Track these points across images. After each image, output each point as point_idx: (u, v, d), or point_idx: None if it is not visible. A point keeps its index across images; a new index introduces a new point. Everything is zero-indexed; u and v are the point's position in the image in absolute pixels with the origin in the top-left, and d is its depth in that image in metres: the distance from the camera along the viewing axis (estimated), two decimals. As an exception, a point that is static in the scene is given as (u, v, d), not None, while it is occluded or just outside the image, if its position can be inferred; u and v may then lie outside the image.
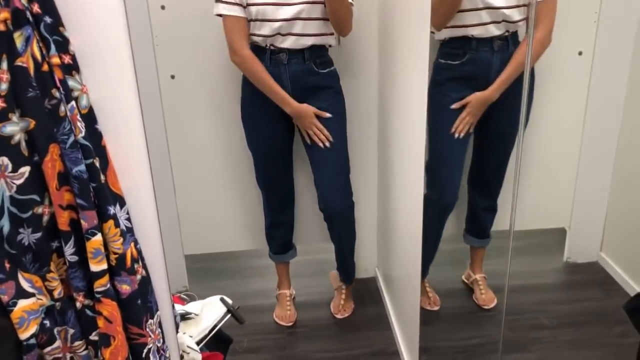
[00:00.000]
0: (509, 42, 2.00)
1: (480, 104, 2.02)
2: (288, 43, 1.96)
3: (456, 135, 2.05)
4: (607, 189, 2.49)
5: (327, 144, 2.08)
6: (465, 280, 2.52)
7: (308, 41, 1.97)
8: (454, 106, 2.03)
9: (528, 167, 2.35)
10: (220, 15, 1.94)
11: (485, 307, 2.36)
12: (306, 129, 2.07)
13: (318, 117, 2.07)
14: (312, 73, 2.04)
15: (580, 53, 2.31)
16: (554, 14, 2.00)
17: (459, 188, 2.21)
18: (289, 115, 2.07)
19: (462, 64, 2.03)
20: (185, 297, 1.70)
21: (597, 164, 2.46)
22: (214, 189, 2.45)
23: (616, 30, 2.26)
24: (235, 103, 2.27)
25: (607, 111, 2.37)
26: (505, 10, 1.93)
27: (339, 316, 2.40)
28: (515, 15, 1.95)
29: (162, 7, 2.18)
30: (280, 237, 2.35)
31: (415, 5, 1.68)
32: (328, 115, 2.06)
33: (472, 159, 2.28)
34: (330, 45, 2.07)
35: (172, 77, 2.28)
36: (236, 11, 1.93)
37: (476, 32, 1.97)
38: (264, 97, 2.04)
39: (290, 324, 2.36)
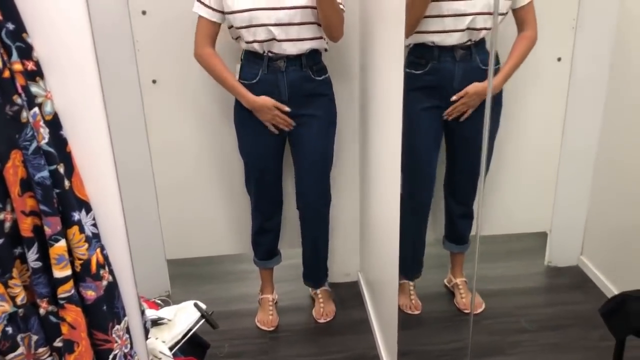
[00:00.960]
0: (472, 51, 2.01)
1: (477, 95, 2.03)
2: (285, 48, 1.96)
3: (445, 117, 2.08)
4: (587, 194, 2.51)
5: (288, 128, 2.09)
6: (447, 285, 2.53)
7: (305, 45, 1.98)
8: (453, 98, 2.04)
9: (508, 172, 2.37)
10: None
11: (466, 311, 2.37)
12: (269, 121, 2.06)
13: (311, 126, 2.10)
14: (309, 80, 2.05)
15: (559, 59, 2.32)
16: (535, 15, 2.04)
17: (432, 189, 2.25)
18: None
19: (425, 73, 2.04)
20: (160, 302, 1.70)
21: (577, 168, 2.47)
22: (197, 194, 2.45)
23: (594, 36, 2.27)
24: (217, 107, 2.28)
25: (587, 116, 2.39)
26: (469, 18, 1.94)
27: (321, 321, 2.40)
28: (480, 23, 1.96)
29: (143, 13, 2.18)
30: (266, 243, 2.35)
31: (391, 11, 1.69)
32: (287, 109, 2.04)
33: (446, 167, 2.30)
34: (325, 50, 2.08)
35: (154, 81, 2.28)
36: (207, 14, 1.96)
37: (437, 38, 1.98)
38: None
39: (272, 328, 2.36)
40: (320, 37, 2.01)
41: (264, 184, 2.22)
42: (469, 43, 2.00)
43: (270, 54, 1.98)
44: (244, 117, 2.11)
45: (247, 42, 1.97)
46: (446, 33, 1.97)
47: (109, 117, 2.17)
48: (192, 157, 2.39)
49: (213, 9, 1.95)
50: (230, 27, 2.00)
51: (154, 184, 2.39)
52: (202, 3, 1.95)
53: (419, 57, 2.04)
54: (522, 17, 2.06)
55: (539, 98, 2.37)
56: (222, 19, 1.98)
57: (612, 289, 2.36)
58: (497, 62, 2.09)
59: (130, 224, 2.36)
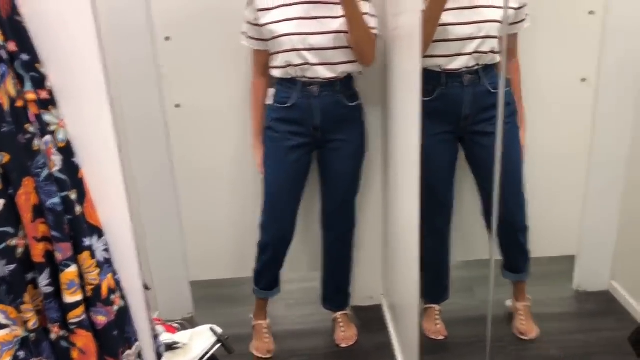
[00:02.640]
0: (481, 75, 1.99)
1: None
2: (320, 72, 1.97)
3: None
4: (617, 216, 2.43)
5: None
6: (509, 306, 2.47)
7: (339, 68, 1.99)
8: None
9: (534, 194, 2.31)
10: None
11: (523, 337, 2.30)
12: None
13: (341, 151, 2.13)
14: (342, 106, 2.06)
15: (583, 80, 2.28)
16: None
17: (450, 213, 2.23)
18: (310, 147, 2.12)
19: (432, 100, 2.01)
20: (177, 325, 1.70)
21: (605, 190, 2.40)
22: (220, 216, 2.47)
23: (620, 55, 2.22)
24: (241, 130, 2.29)
25: (614, 137, 2.33)
26: (476, 42, 1.93)
27: (342, 345, 2.37)
28: (486, 46, 1.94)
29: (167, 39, 2.22)
30: (272, 274, 2.31)
31: (407, 36, 1.69)
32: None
33: (480, 193, 2.25)
34: (360, 73, 2.09)
35: (177, 106, 2.31)
36: (251, 44, 2.04)
37: (442, 62, 1.96)
38: (290, 127, 2.06)
39: (269, 355, 2.32)
40: (355, 61, 2.02)
41: (286, 219, 2.19)
42: (476, 67, 1.98)
43: (304, 79, 1.99)
44: (276, 147, 2.10)
45: (280, 68, 1.99)
46: (452, 57, 1.95)
47: (132, 141, 2.23)
48: (216, 180, 2.41)
49: (255, 39, 2.02)
50: (270, 55, 2.04)
51: (178, 206, 2.42)
52: (246, 34, 2.04)
53: (426, 83, 2.02)
54: (512, 44, 2.10)
55: (565, 119, 2.33)
56: (267, 46, 2.03)
57: (645, 316, 2.28)
58: (507, 84, 2.06)
59: (154, 247, 2.41)
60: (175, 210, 2.42)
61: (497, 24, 1.92)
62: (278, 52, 1.97)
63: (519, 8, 2.01)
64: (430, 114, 2.03)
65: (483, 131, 2.05)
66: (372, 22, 1.96)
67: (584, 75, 2.28)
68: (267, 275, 2.31)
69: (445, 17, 1.90)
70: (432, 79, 2.00)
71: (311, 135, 2.07)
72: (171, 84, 2.27)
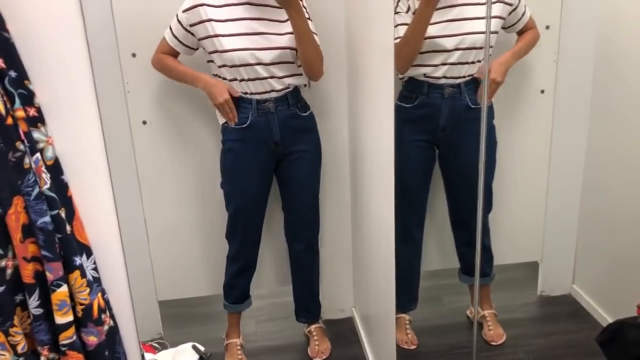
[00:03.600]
0: (462, 90, 2.07)
1: (500, 65, 2.06)
2: (269, 86, 2.00)
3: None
4: (576, 222, 2.54)
5: (232, 123, 2.06)
6: (470, 316, 2.51)
7: (286, 81, 2.02)
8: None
9: (498, 203, 2.39)
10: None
11: (493, 343, 2.35)
12: (218, 105, 2.03)
13: (302, 161, 2.13)
14: (297, 117, 2.09)
15: (542, 91, 2.38)
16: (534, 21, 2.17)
17: (423, 219, 2.29)
18: (272, 162, 2.13)
19: (414, 107, 2.11)
20: (157, 345, 1.67)
21: (565, 198, 2.51)
22: (187, 234, 2.44)
23: (575, 68, 2.34)
24: (208, 147, 2.29)
25: (572, 146, 2.44)
26: (458, 52, 2.00)
27: (316, 359, 2.37)
28: (469, 57, 2.02)
29: (133, 55, 2.20)
30: (242, 286, 2.31)
31: (379, 48, 1.73)
32: (239, 93, 2.02)
33: (448, 202, 2.33)
34: (305, 85, 2.14)
35: (144, 122, 2.29)
36: (171, 41, 2.04)
37: (428, 71, 2.04)
38: (253, 148, 2.07)
39: None
40: (300, 74, 2.07)
41: (252, 228, 2.21)
42: (459, 81, 2.05)
43: (257, 97, 2.02)
44: (235, 164, 2.11)
45: (231, 81, 2.00)
46: (435, 67, 2.03)
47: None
48: (183, 198, 2.39)
49: (178, 40, 2.03)
50: (210, 61, 2.03)
51: (145, 224, 2.38)
52: (171, 31, 2.03)
53: (411, 91, 2.11)
54: (525, 30, 2.18)
55: (525, 129, 2.42)
56: (186, 52, 2.06)
57: (605, 317, 2.38)
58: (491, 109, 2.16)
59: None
60: (142, 228, 2.37)
61: (483, 35, 1.99)
62: (224, 66, 1.98)
63: (515, 9, 2.09)
64: (411, 120, 2.12)
65: (458, 143, 2.13)
66: (317, 39, 2.02)
67: (542, 86, 2.39)
68: (238, 287, 2.31)
69: (432, 30, 1.97)
70: (415, 87, 2.09)
71: (272, 151, 2.10)
72: (137, 100, 2.24)
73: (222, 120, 2.10)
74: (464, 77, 2.07)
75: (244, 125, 2.04)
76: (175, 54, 2.08)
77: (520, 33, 2.18)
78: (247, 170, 2.10)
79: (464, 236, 2.33)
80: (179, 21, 1.99)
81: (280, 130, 2.06)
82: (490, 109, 2.16)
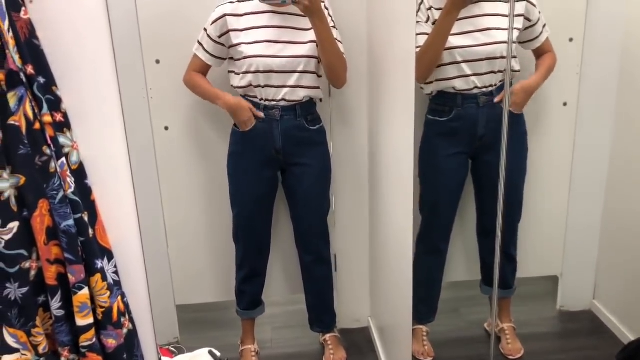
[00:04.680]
0: (495, 96, 2.06)
1: (524, 92, 2.08)
2: (282, 95, 2.01)
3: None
4: (597, 237, 2.50)
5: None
6: (487, 329, 2.49)
7: (302, 93, 2.03)
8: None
9: (522, 214, 2.36)
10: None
11: (510, 357, 2.33)
12: (245, 123, 2.06)
13: (304, 175, 2.13)
14: (304, 129, 2.09)
15: (565, 104, 2.36)
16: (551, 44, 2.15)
17: (450, 232, 2.27)
18: (274, 169, 2.14)
19: (449, 120, 2.09)
20: (174, 349, 1.68)
21: (587, 212, 2.48)
22: (206, 239, 2.46)
23: (598, 81, 2.32)
24: (225, 154, 2.30)
25: (594, 159, 2.41)
26: (486, 63, 2.00)
27: (331, 368, 2.37)
28: (497, 66, 2.02)
29: (157, 62, 2.23)
30: (253, 292, 2.33)
31: (401, 58, 1.74)
32: (261, 115, 2.04)
33: (477, 211, 2.31)
34: (320, 100, 2.14)
35: (166, 128, 2.31)
36: (205, 57, 2.05)
37: (458, 84, 2.03)
38: (253, 152, 2.08)
39: None
40: (318, 87, 2.07)
41: (255, 233, 2.22)
42: (491, 88, 2.05)
43: (265, 102, 2.03)
44: (238, 167, 2.14)
45: (246, 87, 2.02)
46: (464, 78, 2.02)
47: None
48: (203, 203, 2.41)
49: (210, 54, 2.04)
50: (236, 73, 2.05)
51: (165, 229, 2.40)
52: (202, 46, 2.05)
53: (442, 104, 2.09)
54: (542, 51, 2.15)
55: (547, 142, 2.40)
56: (218, 64, 2.08)
57: (626, 334, 2.34)
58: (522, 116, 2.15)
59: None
60: (162, 232, 2.40)
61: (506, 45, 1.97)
62: (244, 72, 2.00)
63: (533, 25, 2.08)
64: (447, 133, 2.10)
65: (494, 151, 2.09)
66: (341, 47, 2.02)
67: (565, 99, 2.37)
68: (248, 293, 2.32)
69: (455, 41, 1.97)
70: (448, 100, 2.07)
71: (274, 157, 2.10)
72: (160, 106, 2.27)
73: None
74: (495, 85, 2.06)
75: (247, 129, 2.06)
76: (207, 69, 2.10)
77: (537, 53, 2.16)
78: (247, 173, 2.12)
79: (491, 246, 2.31)
80: (208, 35, 2.02)
81: (282, 138, 2.07)
82: (521, 116, 2.15)
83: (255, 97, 2.04)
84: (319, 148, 2.17)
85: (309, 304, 2.41)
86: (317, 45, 1.99)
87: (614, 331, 2.44)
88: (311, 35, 1.98)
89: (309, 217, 2.23)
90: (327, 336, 2.43)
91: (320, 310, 2.41)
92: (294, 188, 2.19)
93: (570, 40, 2.29)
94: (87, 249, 1.09)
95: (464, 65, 2.00)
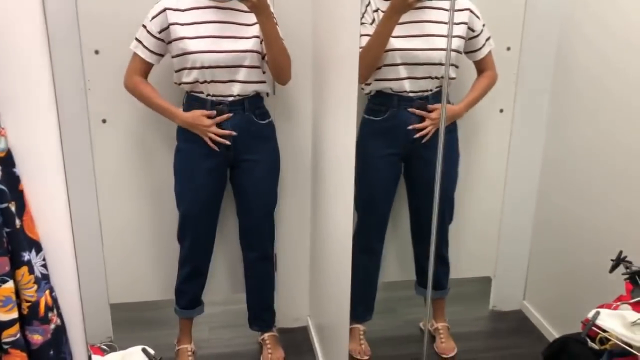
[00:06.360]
0: (430, 101, 2.10)
1: (452, 118, 2.13)
2: (229, 90, 1.99)
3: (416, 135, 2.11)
4: (529, 241, 2.61)
5: (228, 142, 2.05)
6: (422, 328, 2.53)
7: (249, 87, 2.01)
8: (410, 127, 2.10)
9: (455, 218, 2.43)
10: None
11: (444, 356, 2.38)
12: (204, 135, 2.03)
13: (254, 171, 2.12)
14: (252, 123, 2.08)
15: (501, 110, 2.44)
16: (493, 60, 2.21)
17: (385, 231, 2.31)
18: (224, 165, 2.11)
19: (384, 120, 2.12)
20: (105, 347, 1.63)
21: (519, 216, 2.57)
22: (143, 236, 2.40)
23: (533, 89, 2.41)
24: (166, 149, 2.26)
25: (527, 164, 2.50)
26: (424, 67, 2.04)
27: (269, 368, 2.35)
28: (433, 72, 2.06)
29: (96, 52, 2.16)
30: (192, 291, 2.29)
31: (344, 58, 1.75)
32: (214, 112, 2.01)
33: (410, 214, 2.36)
34: (267, 94, 2.13)
35: (104, 121, 2.25)
36: (144, 54, 1.99)
37: (395, 85, 2.07)
38: (202, 149, 2.04)
39: None
40: (264, 82, 2.07)
41: (201, 233, 2.19)
42: (427, 94, 2.08)
43: (212, 98, 2.00)
44: (186, 164, 2.10)
45: (192, 83, 1.99)
46: (400, 80, 2.05)
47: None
48: (139, 200, 2.35)
49: (151, 51, 1.99)
50: (177, 70, 2.01)
51: (100, 224, 2.33)
52: (141, 43, 1.98)
53: (379, 104, 2.12)
54: (483, 65, 2.21)
55: (483, 147, 2.48)
56: (158, 61, 2.03)
57: (553, 333, 2.43)
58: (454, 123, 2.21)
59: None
60: (97, 228, 2.33)
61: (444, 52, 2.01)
62: (189, 68, 1.97)
63: (476, 36, 2.13)
64: (381, 133, 2.13)
65: (426, 154, 2.14)
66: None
67: (501, 106, 2.45)
68: (188, 292, 2.29)
69: (397, 43, 1.99)
70: (385, 100, 2.10)
71: (223, 155, 2.08)
72: (98, 98, 2.20)
73: None
74: (431, 90, 2.10)
75: (210, 135, 2.03)
76: (148, 68, 2.03)
77: (478, 67, 2.22)
78: (195, 171, 2.09)
79: (424, 248, 2.35)
80: (148, 31, 1.97)
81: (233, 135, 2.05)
82: (454, 123, 2.20)
83: (202, 93, 2.01)
84: (269, 143, 2.16)
85: (250, 302, 2.40)
86: (260, 41, 1.98)
87: (542, 330, 2.54)
88: (254, 30, 1.97)
89: (257, 213, 2.21)
90: (266, 335, 2.42)
91: (261, 308, 2.40)
92: (243, 183, 2.16)
93: (508, 49, 2.37)
94: (13, 240, 1.05)
95: (401, 67, 2.04)
